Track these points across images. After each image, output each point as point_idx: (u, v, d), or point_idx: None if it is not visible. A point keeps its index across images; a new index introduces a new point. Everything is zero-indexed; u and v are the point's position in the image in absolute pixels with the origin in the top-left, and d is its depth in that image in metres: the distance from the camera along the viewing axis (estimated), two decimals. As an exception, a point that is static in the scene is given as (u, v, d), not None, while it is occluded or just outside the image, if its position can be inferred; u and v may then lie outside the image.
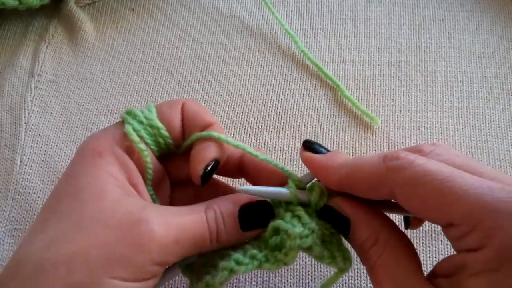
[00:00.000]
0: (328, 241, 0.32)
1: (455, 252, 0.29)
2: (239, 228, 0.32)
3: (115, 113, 0.54)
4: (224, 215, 0.31)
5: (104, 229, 0.28)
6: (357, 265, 0.43)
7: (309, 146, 0.33)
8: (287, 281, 0.43)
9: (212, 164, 0.34)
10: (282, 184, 0.34)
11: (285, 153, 0.50)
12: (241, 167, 0.37)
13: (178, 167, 0.37)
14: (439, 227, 0.30)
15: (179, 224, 0.29)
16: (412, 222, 0.35)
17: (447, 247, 0.44)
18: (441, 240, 0.44)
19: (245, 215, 0.32)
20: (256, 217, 0.32)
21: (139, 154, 0.33)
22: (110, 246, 0.27)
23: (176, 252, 0.29)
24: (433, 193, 0.27)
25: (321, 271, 0.43)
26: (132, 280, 0.27)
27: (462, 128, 0.51)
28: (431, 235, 0.44)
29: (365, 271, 0.42)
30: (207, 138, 0.34)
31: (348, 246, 0.33)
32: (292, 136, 0.51)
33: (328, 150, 0.33)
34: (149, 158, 0.33)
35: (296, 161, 0.50)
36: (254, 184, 0.37)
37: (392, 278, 0.29)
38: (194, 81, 0.56)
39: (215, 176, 0.37)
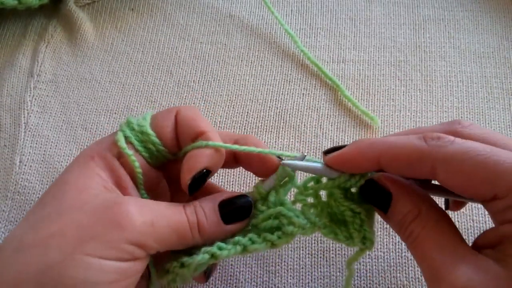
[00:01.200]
0: (350, 221, 0.33)
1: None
2: (220, 221, 0.33)
3: (115, 113, 0.54)
4: (204, 208, 0.32)
5: (81, 213, 0.29)
6: (357, 265, 0.43)
7: (329, 150, 0.34)
8: (287, 281, 0.43)
9: (201, 174, 0.34)
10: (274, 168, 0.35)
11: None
12: (236, 156, 0.38)
13: (177, 173, 0.37)
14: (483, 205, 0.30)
15: (155, 209, 0.31)
16: (452, 207, 0.36)
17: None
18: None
19: (225, 207, 0.33)
20: (237, 209, 0.34)
21: (127, 159, 0.34)
22: (85, 226, 0.29)
23: (154, 235, 0.30)
24: (478, 167, 0.27)
25: (321, 271, 0.43)
26: (108, 258, 0.28)
27: (462, 128, 0.51)
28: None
29: (365, 271, 0.42)
30: (199, 147, 0.34)
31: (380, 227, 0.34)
32: (292, 136, 0.51)
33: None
34: (137, 163, 0.34)
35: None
36: (249, 170, 0.38)
37: (441, 247, 0.29)
38: (193, 81, 0.56)
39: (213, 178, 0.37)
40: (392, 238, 0.44)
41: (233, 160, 0.38)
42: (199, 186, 0.34)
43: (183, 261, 0.32)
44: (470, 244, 0.30)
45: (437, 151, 0.28)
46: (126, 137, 0.34)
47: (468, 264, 0.27)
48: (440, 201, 0.38)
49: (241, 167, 0.39)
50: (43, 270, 0.27)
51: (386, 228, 0.45)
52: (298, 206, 0.36)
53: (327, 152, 0.34)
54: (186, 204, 0.33)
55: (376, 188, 0.32)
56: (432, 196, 0.33)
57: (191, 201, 0.38)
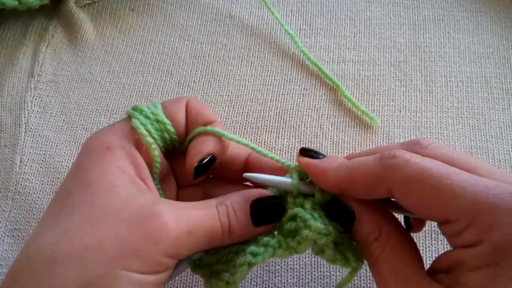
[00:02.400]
0: (340, 241, 0.32)
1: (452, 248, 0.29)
2: (251, 223, 0.32)
3: (115, 113, 0.54)
4: (236, 210, 0.31)
5: (115, 222, 0.28)
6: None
7: (305, 152, 0.34)
8: (287, 281, 0.43)
9: (208, 158, 0.34)
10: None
11: (285, 153, 0.50)
12: (246, 170, 0.37)
13: (183, 167, 0.37)
14: (438, 228, 0.30)
15: (190, 217, 0.29)
16: (413, 224, 0.35)
17: (446, 247, 0.44)
18: (441, 240, 0.44)
19: (257, 211, 0.32)
20: (268, 212, 0.32)
21: (147, 147, 0.33)
22: (123, 239, 0.27)
23: (189, 244, 0.29)
24: (430, 190, 0.27)
25: (321, 271, 0.43)
26: (147, 272, 0.28)
27: (462, 128, 0.51)
28: (431, 235, 0.44)
29: (365, 271, 0.42)
30: (206, 133, 0.34)
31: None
32: (292, 136, 0.51)
33: (324, 156, 0.34)
34: (157, 152, 0.33)
35: (296, 161, 0.50)
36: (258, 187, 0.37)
37: (395, 271, 0.29)
38: (194, 81, 0.56)
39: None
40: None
41: (241, 175, 0.37)
42: (204, 171, 0.34)
43: (227, 279, 0.32)
44: (428, 267, 0.30)
45: (392, 172, 0.28)
46: (142, 125, 0.33)
47: None
48: (401, 219, 0.38)
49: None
50: (83, 286, 0.26)
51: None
52: None
53: (304, 152, 0.34)
54: (218, 204, 0.31)
55: (340, 206, 0.32)
56: (395, 214, 0.33)
57: (199, 194, 0.38)
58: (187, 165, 0.34)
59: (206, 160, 0.34)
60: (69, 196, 0.30)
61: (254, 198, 0.32)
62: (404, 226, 0.35)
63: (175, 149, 0.37)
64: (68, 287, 0.26)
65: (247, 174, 0.33)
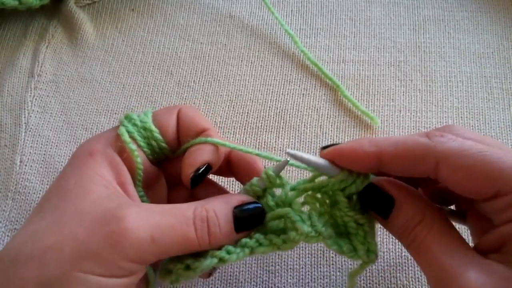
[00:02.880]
0: (353, 233, 0.32)
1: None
2: (233, 229, 0.31)
3: (115, 113, 0.54)
4: (218, 217, 0.31)
5: (79, 225, 0.28)
6: (357, 265, 0.43)
7: (327, 146, 0.33)
8: (287, 281, 0.43)
9: (203, 168, 0.34)
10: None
11: (285, 153, 0.50)
12: (229, 165, 0.37)
13: (174, 169, 0.37)
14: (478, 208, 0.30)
15: (156, 223, 0.29)
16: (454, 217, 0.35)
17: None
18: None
19: (241, 217, 0.32)
20: (251, 218, 0.32)
21: (129, 154, 0.33)
22: (82, 242, 0.27)
23: (153, 250, 0.29)
24: (481, 163, 0.27)
25: (321, 271, 0.43)
26: (106, 275, 0.28)
27: (462, 128, 0.51)
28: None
29: (365, 271, 0.42)
30: (201, 143, 0.35)
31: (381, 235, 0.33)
32: (292, 136, 0.51)
33: None
34: (139, 159, 0.33)
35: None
36: (239, 178, 0.37)
37: (448, 251, 0.28)
38: (194, 81, 0.56)
39: (210, 176, 0.37)
40: (392, 238, 0.44)
41: (226, 169, 0.37)
42: (200, 180, 0.34)
43: (188, 263, 0.31)
44: None
45: (441, 146, 0.28)
46: (128, 133, 0.34)
47: (477, 268, 0.27)
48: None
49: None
50: (41, 286, 0.27)
51: (386, 228, 0.45)
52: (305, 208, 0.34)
53: (325, 148, 0.33)
54: (195, 209, 0.30)
55: (378, 193, 0.31)
56: None
57: (186, 194, 0.38)
58: (183, 176, 0.34)
59: (201, 169, 0.34)
60: (45, 202, 0.31)
61: (236, 204, 0.32)
62: None
63: (167, 157, 0.37)
64: (26, 286, 0.27)
65: (290, 151, 0.32)
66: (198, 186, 0.34)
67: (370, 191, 0.32)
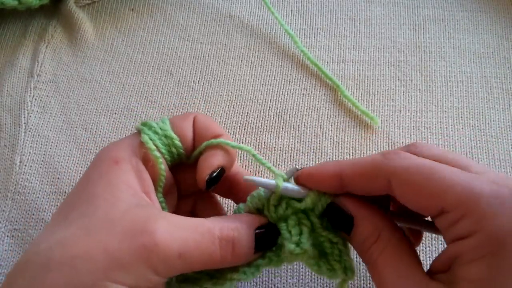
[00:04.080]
0: (329, 252, 0.33)
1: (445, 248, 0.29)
2: (252, 250, 0.32)
3: (115, 113, 0.54)
4: (242, 238, 0.32)
5: (109, 235, 0.28)
6: (357, 265, 0.43)
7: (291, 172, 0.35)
8: (287, 281, 0.43)
9: (218, 171, 0.35)
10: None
11: (285, 153, 0.50)
12: (232, 186, 0.39)
13: (186, 178, 0.38)
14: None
15: (184, 239, 0.29)
16: (409, 237, 0.36)
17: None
18: (441, 241, 0.44)
19: (261, 238, 0.33)
20: (269, 239, 0.33)
21: (154, 162, 0.34)
22: (112, 252, 0.28)
23: (179, 265, 0.29)
24: (427, 180, 0.28)
25: (321, 271, 0.43)
26: (134, 286, 0.28)
27: (462, 128, 0.51)
28: (431, 235, 0.44)
29: (365, 272, 0.42)
30: (215, 147, 0.36)
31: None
32: (292, 136, 0.51)
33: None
34: (163, 166, 0.34)
35: (296, 161, 0.50)
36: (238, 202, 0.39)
37: (396, 273, 0.29)
38: (193, 81, 0.56)
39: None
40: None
41: (227, 190, 0.39)
42: (215, 183, 0.35)
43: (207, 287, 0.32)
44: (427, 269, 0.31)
45: (392, 163, 0.30)
46: (151, 140, 0.35)
47: None
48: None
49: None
50: None
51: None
52: None
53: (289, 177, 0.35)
54: (222, 227, 0.31)
55: (338, 211, 0.33)
56: None
57: (190, 204, 0.39)
58: (198, 179, 0.35)
59: (215, 173, 0.35)
60: (72, 208, 0.31)
61: (258, 225, 0.33)
62: None
63: (182, 162, 0.38)
64: None
65: (247, 178, 0.34)
66: (200, 196, 0.36)
67: (331, 210, 0.33)
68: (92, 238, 0.28)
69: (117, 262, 0.28)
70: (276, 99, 0.54)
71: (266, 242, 0.33)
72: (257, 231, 0.33)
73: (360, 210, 0.32)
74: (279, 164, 0.49)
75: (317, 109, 0.53)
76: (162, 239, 0.28)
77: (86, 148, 0.51)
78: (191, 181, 0.37)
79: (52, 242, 0.29)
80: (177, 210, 0.39)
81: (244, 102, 0.54)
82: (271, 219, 0.34)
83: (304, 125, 0.52)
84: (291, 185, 0.34)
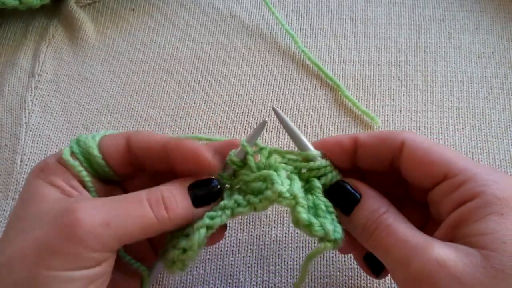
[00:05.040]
0: (322, 216, 0.33)
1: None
2: (190, 205, 0.33)
3: (116, 112, 0.54)
4: (174, 194, 0.32)
5: (37, 227, 0.29)
6: (357, 265, 0.43)
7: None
8: (287, 281, 0.43)
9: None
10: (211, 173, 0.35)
11: (271, 108, 0.50)
12: (165, 156, 0.37)
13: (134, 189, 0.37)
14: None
15: (109, 209, 0.30)
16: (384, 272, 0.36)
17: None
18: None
19: (196, 192, 0.33)
20: (206, 193, 0.34)
21: (72, 169, 0.34)
22: (40, 240, 0.28)
23: (111, 234, 0.29)
24: (434, 150, 0.31)
25: (321, 271, 0.43)
26: (73, 268, 0.28)
27: (463, 128, 0.51)
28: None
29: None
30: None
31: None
32: (293, 136, 0.51)
33: None
34: (84, 172, 0.34)
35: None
36: (181, 173, 0.36)
37: (412, 232, 0.30)
38: (194, 81, 0.56)
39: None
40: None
41: (160, 162, 0.36)
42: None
43: (183, 246, 0.32)
44: None
45: (405, 133, 0.33)
46: (72, 153, 0.34)
47: (442, 244, 0.29)
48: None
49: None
50: None
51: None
52: None
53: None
54: (149, 191, 0.32)
55: (344, 189, 0.34)
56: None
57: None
58: (203, 159, 0.34)
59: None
60: (12, 218, 0.32)
61: (191, 182, 0.33)
62: (370, 273, 0.37)
63: (115, 180, 0.37)
64: None
65: (276, 108, 0.36)
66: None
67: (338, 187, 0.34)
68: (25, 235, 0.29)
69: (46, 249, 0.28)
70: (276, 99, 0.54)
71: (205, 197, 0.33)
72: (190, 186, 0.33)
73: (367, 189, 0.33)
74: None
75: (317, 109, 0.53)
76: (83, 213, 0.29)
77: (86, 148, 0.51)
78: (117, 160, 0.36)
79: None
80: None
81: (245, 102, 0.54)
82: (258, 167, 0.34)
83: (305, 125, 0.52)
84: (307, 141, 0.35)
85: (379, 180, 0.36)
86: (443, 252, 0.28)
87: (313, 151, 0.35)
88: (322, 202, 0.33)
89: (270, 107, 0.53)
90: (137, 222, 0.30)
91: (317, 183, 0.34)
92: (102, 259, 0.30)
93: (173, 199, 0.32)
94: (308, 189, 0.35)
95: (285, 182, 0.33)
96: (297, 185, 0.33)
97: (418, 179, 0.32)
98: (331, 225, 0.32)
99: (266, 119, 0.37)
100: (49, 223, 0.29)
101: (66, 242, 0.28)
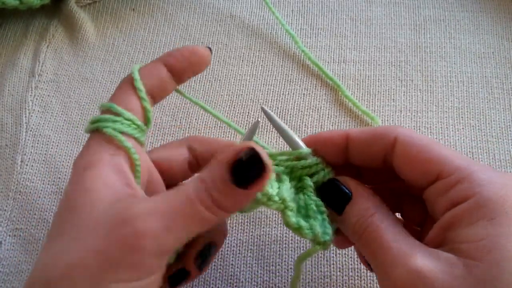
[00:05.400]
0: (313, 216, 0.33)
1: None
2: (235, 187, 0.28)
3: (116, 113, 0.54)
4: (215, 180, 0.29)
5: (97, 236, 0.28)
6: (357, 265, 0.43)
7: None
8: (287, 281, 0.43)
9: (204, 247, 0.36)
10: None
11: (260, 108, 0.50)
12: (194, 164, 0.37)
13: (175, 173, 0.38)
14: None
15: (164, 211, 0.29)
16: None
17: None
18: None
19: (235, 170, 0.28)
20: (247, 168, 0.28)
21: (128, 152, 0.33)
22: (103, 253, 0.27)
23: (172, 238, 0.28)
24: (428, 147, 0.31)
25: (321, 271, 0.43)
26: (136, 279, 0.28)
27: (463, 128, 0.51)
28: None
29: (365, 271, 0.43)
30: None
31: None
32: (293, 136, 0.51)
33: None
34: (136, 155, 0.33)
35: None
36: None
37: (397, 238, 0.30)
38: (194, 81, 0.56)
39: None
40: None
41: (186, 173, 0.38)
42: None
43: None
44: None
45: (399, 128, 0.32)
46: (115, 130, 0.33)
47: (424, 253, 0.28)
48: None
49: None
50: None
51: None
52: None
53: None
54: (194, 185, 0.29)
55: (336, 188, 0.33)
56: None
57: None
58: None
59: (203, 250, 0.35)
60: (59, 223, 0.30)
61: (230, 160, 0.28)
62: (366, 265, 0.37)
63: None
64: None
65: (265, 108, 0.35)
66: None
67: (330, 186, 0.34)
68: (81, 244, 0.28)
69: (111, 261, 0.27)
70: (277, 99, 0.54)
71: (245, 173, 0.28)
72: (228, 163, 0.29)
73: (358, 187, 0.33)
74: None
75: (317, 109, 0.53)
76: (142, 223, 0.28)
77: (87, 148, 0.51)
78: (180, 172, 0.37)
79: (46, 260, 0.29)
80: None
81: (245, 102, 0.54)
82: None
83: (305, 125, 0.52)
84: (297, 138, 0.35)
85: (376, 176, 0.35)
86: (423, 262, 0.27)
87: (304, 149, 0.35)
88: (313, 201, 0.33)
89: (270, 107, 0.53)
90: (195, 223, 0.29)
91: (309, 182, 0.34)
92: (161, 264, 0.29)
93: (216, 188, 0.28)
94: (300, 187, 0.35)
95: (274, 185, 0.32)
96: (286, 187, 0.33)
97: (412, 177, 0.32)
98: (321, 227, 0.32)
99: (259, 120, 0.37)
100: (108, 232, 0.28)
101: (129, 253, 0.27)
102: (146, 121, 0.35)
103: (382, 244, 0.30)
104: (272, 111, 0.53)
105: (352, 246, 0.44)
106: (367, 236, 0.31)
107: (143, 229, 0.28)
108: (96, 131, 0.34)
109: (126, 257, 0.27)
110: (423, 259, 0.27)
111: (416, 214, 0.34)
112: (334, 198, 0.33)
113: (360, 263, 0.43)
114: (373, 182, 0.35)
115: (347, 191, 0.33)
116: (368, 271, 0.43)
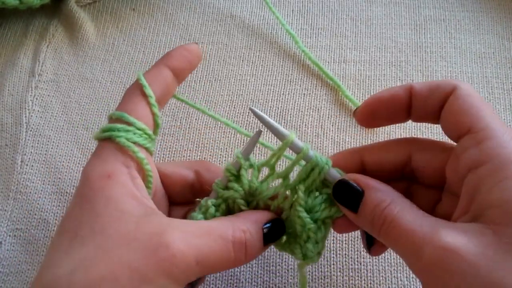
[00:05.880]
0: (299, 235, 0.35)
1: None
2: (262, 245, 0.34)
3: (116, 113, 0.54)
4: (253, 238, 0.33)
5: (128, 251, 0.28)
6: (357, 265, 0.43)
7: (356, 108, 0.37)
8: (288, 281, 0.43)
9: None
10: None
11: (286, 152, 0.50)
12: (197, 188, 0.39)
13: (176, 188, 0.39)
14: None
15: (199, 247, 0.30)
16: (375, 246, 0.36)
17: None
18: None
19: (268, 233, 0.34)
20: (276, 233, 0.35)
21: (139, 163, 0.33)
22: (136, 270, 0.28)
23: (197, 272, 0.30)
24: (477, 102, 0.31)
25: (321, 271, 0.43)
26: None
27: (463, 128, 0.51)
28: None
29: (365, 271, 0.43)
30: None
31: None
32: (293, 136, 0.51)
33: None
34: (149, 166, 0.34)
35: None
36: None
37: (418, 220, 0.30)
38: (194, 81, 0.56)
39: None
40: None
41: (191, 194, 0.39)
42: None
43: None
44: None
45: (459, 81, 0.32)
46: (127, 140, 0.33)
47: (450, 228, 0.28)
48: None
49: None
50: None
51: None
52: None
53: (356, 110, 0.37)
54: (234, 230, 0.32)
55: (347, 186, 0.33)
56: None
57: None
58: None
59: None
60: (79, 226, 0.30)
61: (265, 221, 0.34)
62: (366, 246, 0.37)
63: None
64: None
65: (253, 108, 0.36)
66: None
67: (340, 186, 0.34)
68: (112, 257, 0.28)
69: (142, 279, 0.28)
70: (277, 99, 0.54)
71: (274, 236, 0.35)
72: (264, 227, 0.34)
73: (369, 182, 0.33)
74: (280, 165, 0.49)
75: (318, 109, 0.53)
76: (179, 250, 0.29)
77: (87, 148, 0.51)
78: (181, 190, 0.38)
79: (70, 266, 0.28)
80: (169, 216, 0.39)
81: (245, 102, 0.54)
82: (249, 185, 0.35)
83: (305, 125, 0.52)
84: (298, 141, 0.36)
85: (384, 174, 0.35)
86: (451, 237, 0.27)
87: (300, 145, 0.35)
88: (298, 220, 0.34)
89: (271, 107, 0.53)
90: (220, 263, 0.31)
91: (300, 194, 0.34)
92: None
93: (254, 243, 0.33)
94: (295, 201, 0.35)
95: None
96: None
97: (447, 128, 0.32)
98: (300, 251, 0.35)
99: (261, 129, 0.37)
100: (143, 251, 0.28)
101: (160, 276, 0.28)
102: (155, 126, 0.36)
103: (403, 230, 0.29)
104: (272, 111, 0.53)
105: (352, 247, 0.44)
106: (386, 228, 0.31)
107: (180, 258, 0.29)
108: (107, 139, 0.34)
109: (158, 279, 0.28)
110: (450, 235, 0.27)
111: (429, 198, 0.34)
112: (346, 198, 0.33)
113: (360, 263, 0.43)
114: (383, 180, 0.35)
115: (358, 188, 0.33)
116: (369, 270, 0.43)
